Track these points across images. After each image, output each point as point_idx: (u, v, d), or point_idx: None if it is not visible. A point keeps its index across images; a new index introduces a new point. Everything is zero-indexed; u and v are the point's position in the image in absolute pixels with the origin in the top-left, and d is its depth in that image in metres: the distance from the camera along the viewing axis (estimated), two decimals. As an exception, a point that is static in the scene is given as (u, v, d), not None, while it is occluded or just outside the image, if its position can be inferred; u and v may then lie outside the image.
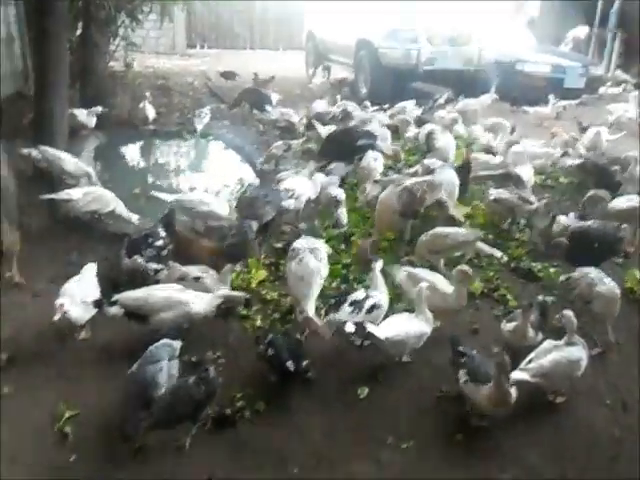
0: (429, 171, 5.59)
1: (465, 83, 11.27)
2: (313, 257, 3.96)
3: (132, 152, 8.40)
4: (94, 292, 3.93)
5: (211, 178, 6.94)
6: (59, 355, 3.79)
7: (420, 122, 8.25)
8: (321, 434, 3.23)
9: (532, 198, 5.48)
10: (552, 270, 4.86)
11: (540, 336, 3.72)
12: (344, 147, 6.58)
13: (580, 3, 15.46)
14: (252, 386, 3.50)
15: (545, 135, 8.57)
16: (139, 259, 4.41)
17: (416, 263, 4.60)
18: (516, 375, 3.32)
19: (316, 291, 3.88)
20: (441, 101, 10.38)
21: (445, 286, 3.95)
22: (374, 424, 3.31)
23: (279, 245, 5.15)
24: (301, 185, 5.71)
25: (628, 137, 9.02)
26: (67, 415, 3.20)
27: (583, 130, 8.38)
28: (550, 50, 13.73)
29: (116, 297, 3.78)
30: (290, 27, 18.23)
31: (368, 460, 3.07)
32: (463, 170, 5.82)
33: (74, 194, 5.29)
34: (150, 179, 7.29)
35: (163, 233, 4.74)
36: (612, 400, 3.58)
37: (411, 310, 3.82)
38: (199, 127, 8.80)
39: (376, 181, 5.77)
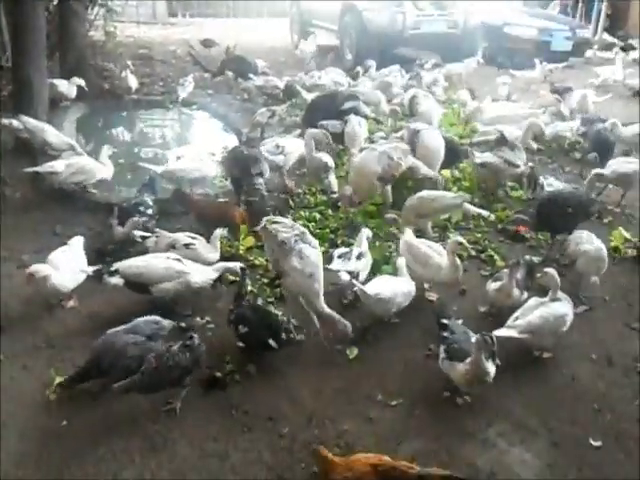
0: (414, 134, 5.55)
1: (452, 47, 11.15)
2: (309, 246, 3.59)
3: (115, 122, 8.25)
4: (80, 262, 3.93)
5: (196, 146, 6.84)
6: (47, 324, 3.79)
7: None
8: (311, 394, 3.26)
9: (520, 161, 5.47)
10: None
11: (525, 295, 3.77)
12: (328, 112, 6.50)
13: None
14: (242, 350, 3.52)
15: (534, 98, 8.56)
16: (131, 227, 4.43)
17: (401, 227, 4.60)
18: (503, 332, 3.36)
19: (322, 282, 3.59)
20: (428, 66, 10.29)
21: (440, 258, 3.94)
22: (364, 383, 3.36)
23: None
24: (291, 142, 5.71)
25: (615, 99, 9.04)
26: (57, 381, 3.20)
27: (555, 92, 8.38)
28: (537, 13, 13.60)
29: (116, 266, 3.78)
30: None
31: (358, 418, 3.11)
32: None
33: (57, 166, 5.23)
34: (134, 149, 7.18)
35: (151, 201, 4.76)
36: (597, 355, 3.64)
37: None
38: (182, 96, 8.68)
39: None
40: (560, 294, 3.55)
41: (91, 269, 3.84)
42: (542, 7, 15.16)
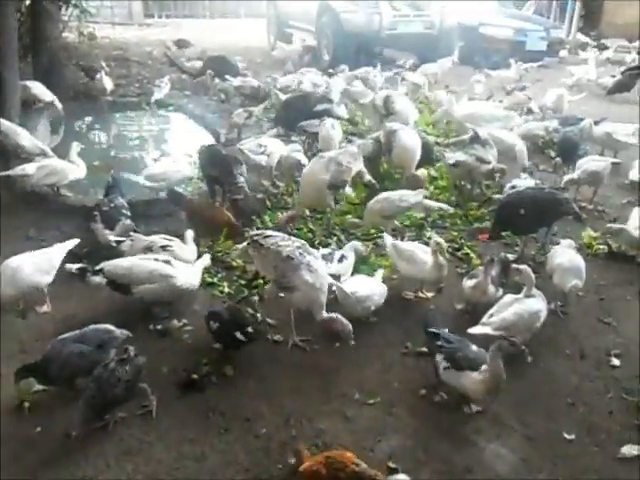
0: (391, 134, 5.58)
1: (428, 47, 11.24)
2: (314, 257, 3.54)
3: (90, 124, 8.16)
4: (51, 263, 3.88)
5: (173, 148, 6.80)
6: (21, 330, 3.73)
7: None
8: (289, 394, 3.26)
9: (492, 157, 5.53)
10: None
11: (500, 292, 3.81)
12: (302, 112, 6.51)
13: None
14: (219, 352, 3.50)
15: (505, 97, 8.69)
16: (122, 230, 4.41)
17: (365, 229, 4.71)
18: (478, 329, 3.39)
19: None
20: (406, 66, 10.37)
21: (426, 257, 4.00)
22: (341, 382, 3.36)
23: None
24: (274, 142, 5.71)
25: (589, 98, 9.19)
26: (34, 389, 3.15)
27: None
28: (513, 14, 13.77)
29: (101, 265, 3.75)
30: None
31: (335, 416, 3.12)
32: None
33: (29, 169, 5.17)
34: (110, 152, 7.11)
35: (126, 203, 4.73)
36: (571, 350, 3.70)
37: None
38: (159, 97, 8.60)
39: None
40: (534, 290, 3.60)
41: (75, 267, 3.79)
42: (517, 7, 15.37)
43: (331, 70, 9.82)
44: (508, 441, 3.02)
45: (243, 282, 4.26)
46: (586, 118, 6.71)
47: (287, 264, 3.43)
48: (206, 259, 4.08)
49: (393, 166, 5.91)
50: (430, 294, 4.19)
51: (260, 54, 12.89)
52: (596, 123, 6.66)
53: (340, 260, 4.00)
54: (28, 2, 8.97)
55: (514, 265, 3.88)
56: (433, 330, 3.24)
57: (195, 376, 3.31)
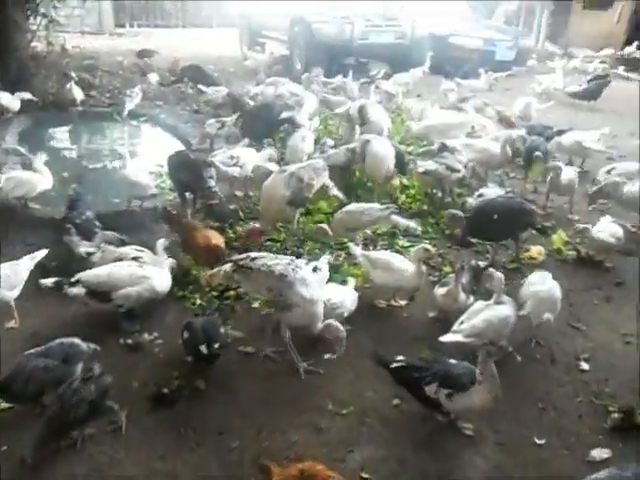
0: (365, 144, 5.61)
1: (400, 57, 11.37)
2: (305, 272, 3.45)
3: (59, 135, 8.04)
4: (19, 276, 3.81)
5: (143, 159, 6.73)
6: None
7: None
8: (261, 407, 3.23)
9: (461, 165, 5.60)
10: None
11: (472, 299, 3.84)
12: (267, 121, 6.50)
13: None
14: (190, 365, 3.46)
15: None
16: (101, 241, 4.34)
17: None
18: (449, 337, 3.42)
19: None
20: (378, 76, 10.45)
21: (404, 265, 4.01)
22: (314, 392, 3.35)
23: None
24: (246, 153, 5.67)
25: (557, 106, 9.39)
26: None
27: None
28: (482, 24, 14.02)
29: (78, 276, 3.71)
30: (223, 4, 17.82)
31: (308, 428, 3.10)
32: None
33: (-4, 181, 5.06)
34: (80, 163, 7.00)
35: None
36: (541, 355, 3.75)
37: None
38: (130, 107, 8.51)
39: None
40: (504, 297, 3.63)
41: (50, 281, 3.72)
42: (486, 17, 15.64)
43: (302, 76, 9.82)
44: (481, 448, 3.04)
45: (215, 294, 4.22)
46: (554, 127, 6.84)
47: (281, 283, 3.31)
48: (170, 261, 4.07)
49: (366, 175, 5.94)
50: (403, 302, 4.22)
51: (233, 63, 12.89)
52: (560, 133, 6.78)
53: (314, 270, 3.88)
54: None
55: (486, 270, 3.92)
56: (397, 364, 3.08)
57: (166, 390, 3.25)
